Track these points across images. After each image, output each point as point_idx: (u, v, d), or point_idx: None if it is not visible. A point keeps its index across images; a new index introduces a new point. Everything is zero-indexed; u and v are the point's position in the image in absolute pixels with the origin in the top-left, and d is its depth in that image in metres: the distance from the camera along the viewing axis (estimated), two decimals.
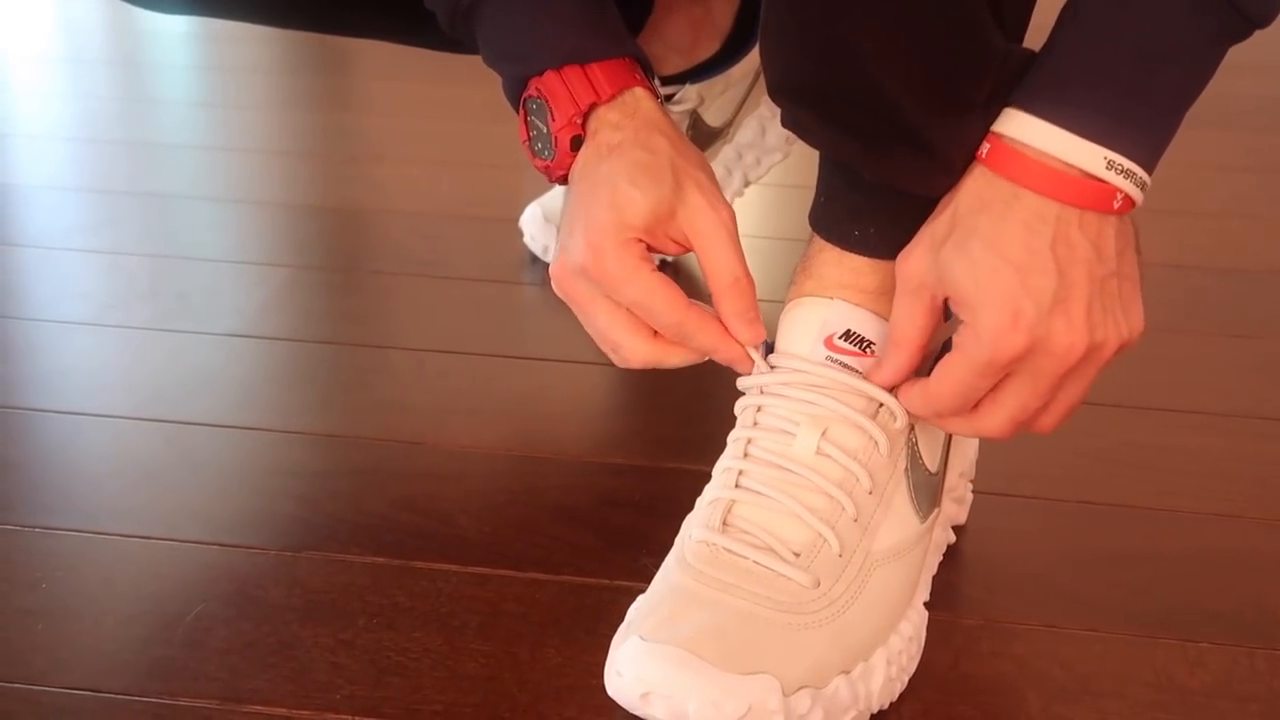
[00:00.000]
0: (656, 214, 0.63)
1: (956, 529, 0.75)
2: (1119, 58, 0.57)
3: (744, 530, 0.63)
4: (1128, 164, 0.57)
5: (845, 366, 0.64)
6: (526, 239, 1.11)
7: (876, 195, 0.63)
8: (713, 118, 1.05)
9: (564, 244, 0.66)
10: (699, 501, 0.66)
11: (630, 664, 0.58)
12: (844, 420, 0.64)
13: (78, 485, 0.80)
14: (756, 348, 0.65)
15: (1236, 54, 0.59)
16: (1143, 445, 0.86)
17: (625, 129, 0.66)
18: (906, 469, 0.66)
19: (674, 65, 1.02)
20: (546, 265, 1.08)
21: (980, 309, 0.57)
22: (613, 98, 0.66)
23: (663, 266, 0.66)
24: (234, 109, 1.57)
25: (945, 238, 0.59)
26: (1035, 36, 0.62)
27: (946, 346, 0.62)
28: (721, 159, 1.08)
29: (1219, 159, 1.36)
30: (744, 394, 0.67)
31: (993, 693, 0.65)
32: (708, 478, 0.67)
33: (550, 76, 0.67)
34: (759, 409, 0.66)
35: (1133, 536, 0.77)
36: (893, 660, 0.63)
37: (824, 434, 0.64)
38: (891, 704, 0.63)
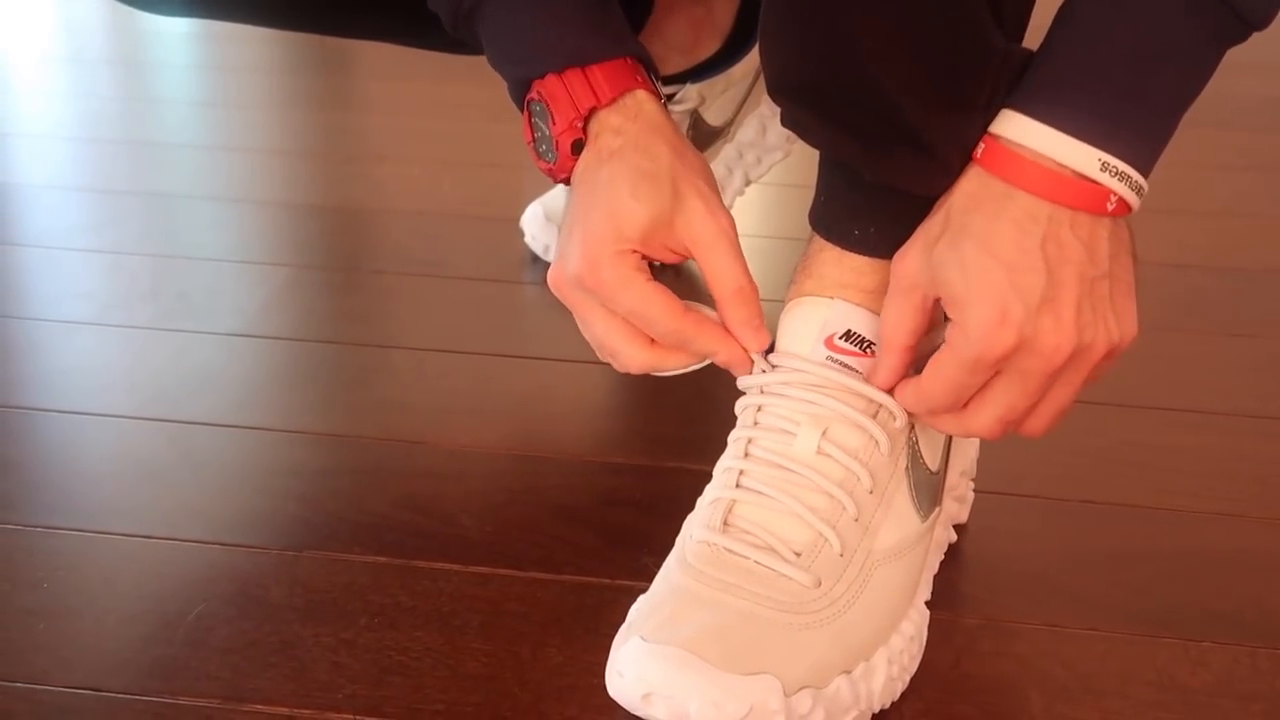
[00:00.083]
0: (654, 224, 0.63)
1: (958, 528, 0.75)
2: (1114, 59, 0.57)
3: (745, 530, 0.63)
4: (1122, 166, 0.57)
5: (846, 366, 0.64)
6: (527, 238, 1.11)
7: (876, 195, 0.63)
8: (714, 117, 1.05)
9: (561, 251, 0.66)
10: (700, 501, 0.66)
11: (631, 665, 0.58)
12: (845, 420, 0.64)
13: (79, 485, 0.80)
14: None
15: (1236, 54, 0.59)
16: (1143, 444, 0.86)
17: (626, 133, 0.66)
18: (907, 468, 0.66)
19: (675, 65, 1.02)
20: (547, 265, 1.08)
21: (969, 306, 0.57)
22: (613, 100, 0.66)
23: (664, 270, 0.66)
24: (235, 108, 1.57)
25: (938, 237, 0.59)
26: (1034, 37, 0.62)
27: None
28: (722, 158, 1.08)
29: (1218, 158, 1.36)
30: (744, 393, 0.67)
31: (994, 692, 0.65)
32: (709, 477, 0.67)
33: (551, 79, 0.67)
34: (759, 409, 0.66)
35: (1134, 536, 0.77)
36: (894, 660, 0.63)
37: (825, 433, 0.64)
38: (893, 703, 0.63)
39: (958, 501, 0.74)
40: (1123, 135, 0.57)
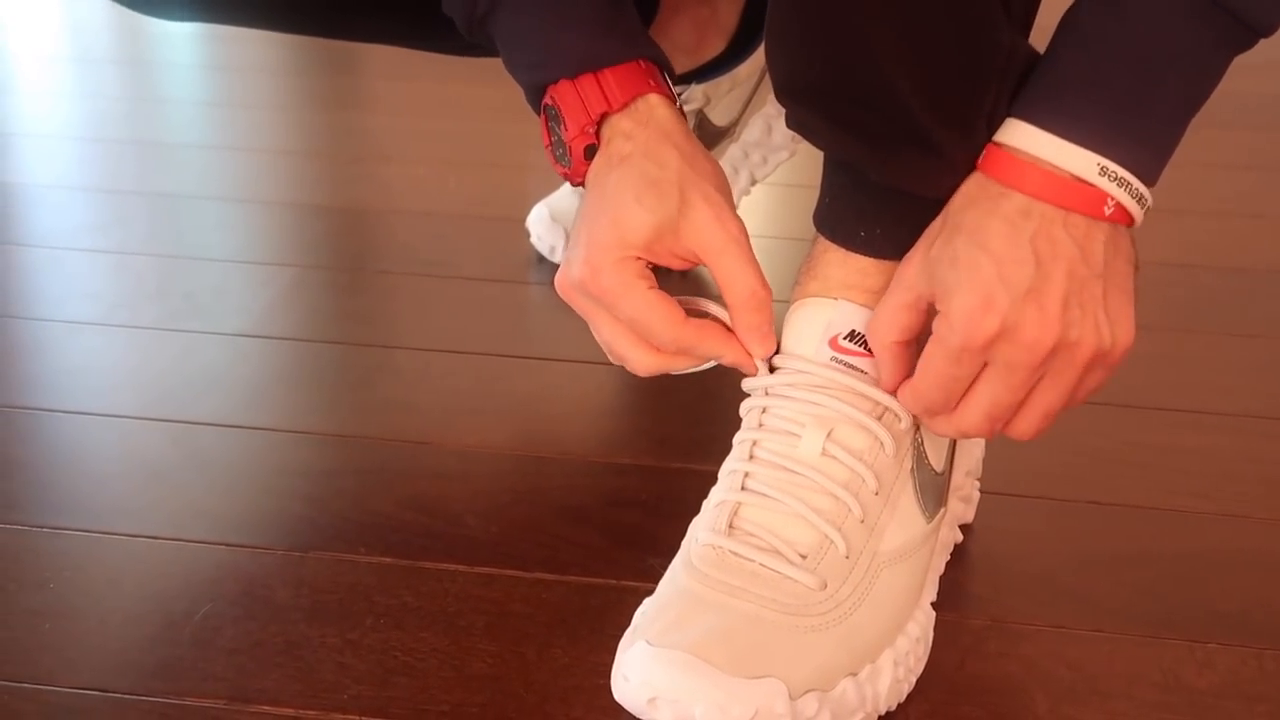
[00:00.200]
0: (658, 233, 0.63)
1: (964, 528, 0.75)
2: (1115, 67, 0.57)
3: (750, 533, 0.63)
4: (1122, 172, 0.57)
5: (850, 367, 0.64)
6: (533, 239, 1.11)
7: (881, 195, 0.63)
8: (719, 117, 1.05)
9: (567, 256, 0.66)
10: (705, 504, 0.66)
11: (637, 669, 0.58)
12: (849, 421, 0.64)
13: (85, 485, 0.80)
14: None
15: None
16: (1149, 445, 0.86)
17: (637, 138, 0.66)
18: (912, 469, 0.66)
19: (680, 65, 1.02)
20: (553, 265, 1.09)
21: (954, 293, 0.57)
22: (625, 105, 0.66)
23: (668, 273, 0.66)
24: (241, 108, 1.57)
25: (935, 237, 0.60)
26: (1039, 37, 0.62)
27: None
28: (728, 158, 1.08)
29: (1222, 158, 1.36)
30: (749, 395, 0.67)
31: (1000, 693, 0.65)
32: (714, 478, 0.67)
33: (564, 85, 0.67)
34: (764, 410, 0.66)
35: (1139, 537, 0.77)
36: (900, 662, 0.63)
37: (829, 435, 0.63)
38: (899, 705, 0.63)
39: (963, 502, 0.74)
40: (1123, 142, 0.57)
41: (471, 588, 0.71)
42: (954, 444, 0.70)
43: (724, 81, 1.04)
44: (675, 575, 0.64)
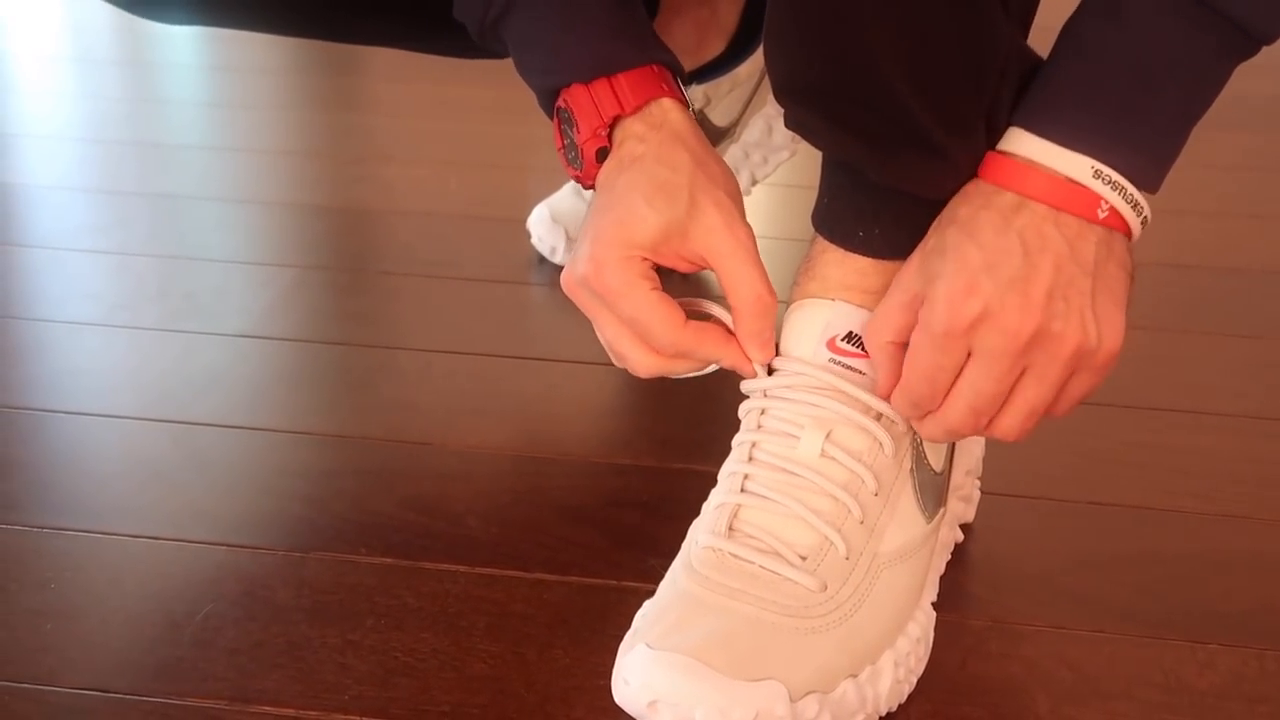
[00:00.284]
0: (665, 234, 0.63)
1: (964, 528, 0.75)
2: (1115, 77, 0.57)
3: (750, 535, 0.63)
4: (1116, 177, 0.57)
5: (849, 368, 0.64)
6: (534, 240, 1.11)
7: (880, 196, 0.63)
8: (719, 117, 1.05)
9: (574, 252, 0.66)
10: (705, 506, 0.66)
11: (637, 672, 0.58)
12: (848, 422, 0.64)
13: (85, 485, 0.80)
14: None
15: None
16: (1149, 446, 0.86)
17: (649, 141, 0.66)
18: (911, 469, 0.66)
19: None
20: (554, 266, 1.09)
21: (939, 278, 0.58)
22: (638, 109, 0.66)
23: (670, 275, 0.66)
24: (242, 109, 1.58)
25: (931, 237, 0.60)
26: (1039, 37, 0.62)
27: None
28: (729, 158, 1.08)
29: (1221, 158, 1.36)
30: (748, 397, 0.67)
31: (1001, 694, 0.65)
32: (715, 479, 0.67)
33: (577, 89, 0.67)
34: (763, 412, 0.66)
35: (1140, 537, 0.77)
36: (900, 663, 0.63)
37: (828, 436, 0.63)
38: (900, 706, 0.63)
39: (964, 501, 0.74)
40: (1119, 149, 0.57)
41: (472, 588, 0.71)
42: (953, 443, 0.70)
43: (724, 82, 1.04)
44: (675, 578, 0.64)
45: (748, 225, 0.65)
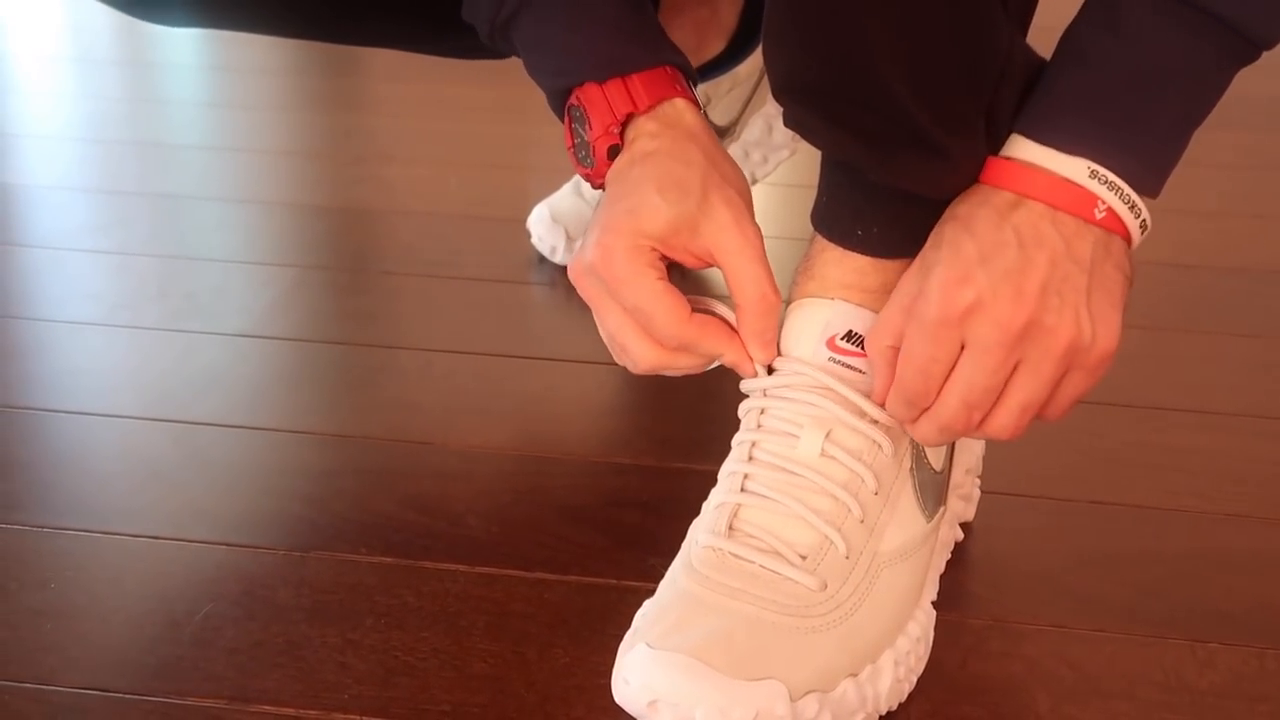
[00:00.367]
0: (675, 226, 0.63)
1: (964, 527, 0.75)
2: (1113, 85, 0.57)
3: (750, 535, 0.63)
4: (1113, 177, 0.58)
5: (849, 367, 0.64)
6: (534, 239, 1.11)
7: (879, 195, 0.63)
8: (719, 116, 1.05)
9: (583, 241, 0.66)
10: (705, 506, 0.66)
11: (637, 672, 0.58)
12: (847, 422, 0.64)
13: (86, 485, 0.80)
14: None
15: None
16: (1150, 445, 0.86)
17: (663, 138, 0.66)
18: (911, 468, 0.66)
19: None
20: (554, 266, 1.09)
21: (934, 269, 0.58)
22: (651, 108, 0.67)
23: (671, 270, 0.66)
24: (242, 109, 1.58)
25: (932, 237, 0.60)
26: (1038, 36, 0.62)
27: None
28: None
29: (1222, 158, 1.36)
30: (748, 396, 0.67)
31: (1001, 693, 0.65)
32: (715, 478, 0.67)
33: (590, 87, 0.67)
34: (762, 412, 0.66)
35: (1141, 536, 0.77)
36: (900, 662, 0.63)
37: (828, 435, 0.63)
38: (900, 705, 0.63)
39: (964, 500, 0.74)
40: (1118, 153, 0.58)
41: (473, 588, 0.71)
42: (953, 442, 0.70)
43: (724, 81, 1.04)
44: (675, 577, 0.64)
45: (757, 225, 0.65)
